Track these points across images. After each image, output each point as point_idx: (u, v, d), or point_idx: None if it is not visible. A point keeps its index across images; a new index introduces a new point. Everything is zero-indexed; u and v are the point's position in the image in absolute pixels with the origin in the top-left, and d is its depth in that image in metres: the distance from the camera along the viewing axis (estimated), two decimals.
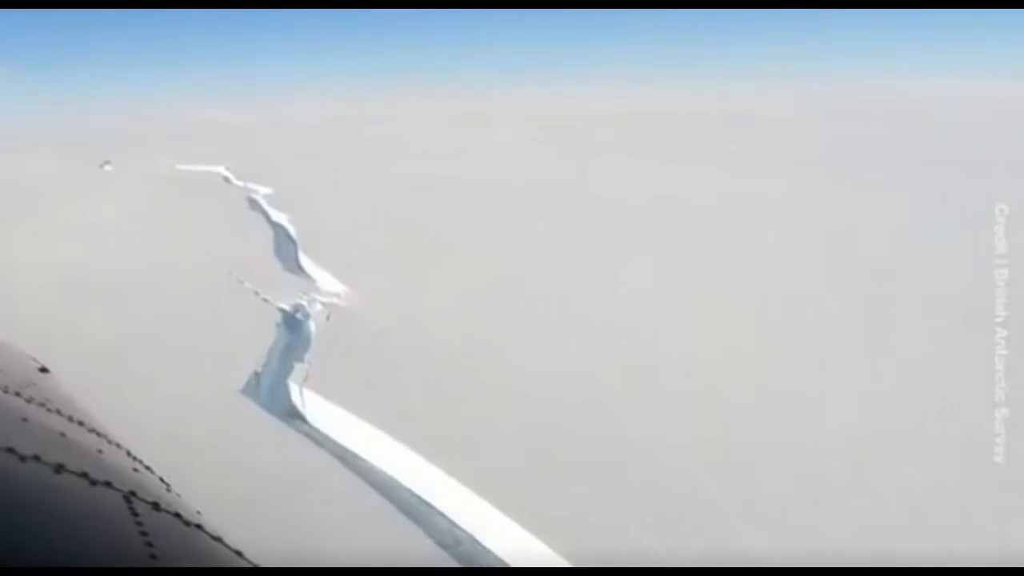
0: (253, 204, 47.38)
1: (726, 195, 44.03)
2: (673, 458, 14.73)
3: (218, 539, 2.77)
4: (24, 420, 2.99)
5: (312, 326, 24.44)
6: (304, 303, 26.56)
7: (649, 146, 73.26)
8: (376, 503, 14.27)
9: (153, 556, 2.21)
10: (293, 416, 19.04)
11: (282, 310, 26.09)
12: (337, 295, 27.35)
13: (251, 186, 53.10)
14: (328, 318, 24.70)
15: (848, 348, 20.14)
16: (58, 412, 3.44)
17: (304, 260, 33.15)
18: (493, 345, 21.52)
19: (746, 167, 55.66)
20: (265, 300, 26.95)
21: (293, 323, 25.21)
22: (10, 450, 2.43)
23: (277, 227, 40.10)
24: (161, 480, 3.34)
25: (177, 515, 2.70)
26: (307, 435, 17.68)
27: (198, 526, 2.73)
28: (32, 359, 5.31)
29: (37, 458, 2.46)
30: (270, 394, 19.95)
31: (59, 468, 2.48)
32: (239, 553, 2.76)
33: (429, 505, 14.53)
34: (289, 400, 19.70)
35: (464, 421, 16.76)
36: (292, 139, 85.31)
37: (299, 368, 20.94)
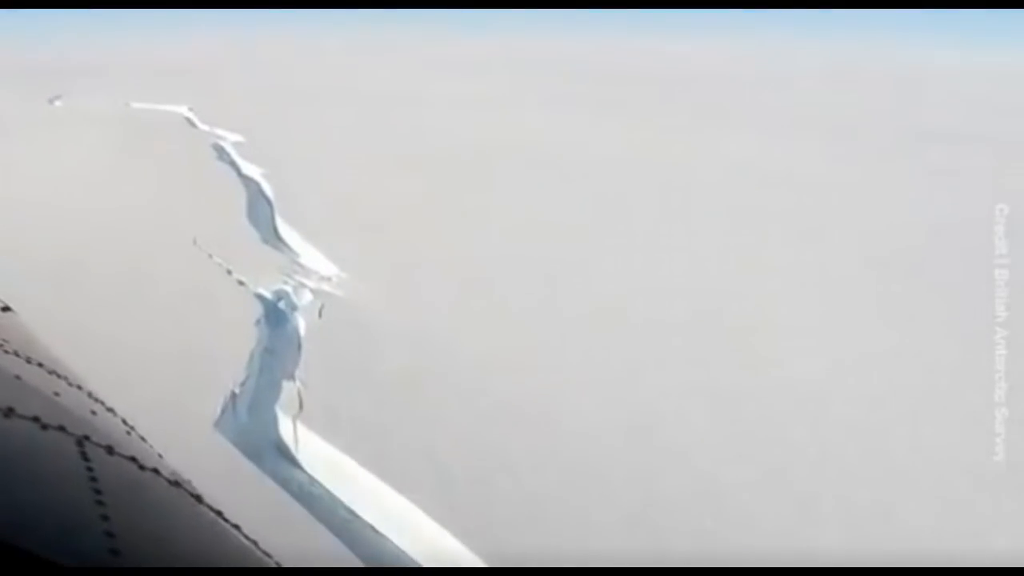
0: (220, 153, 41.44)
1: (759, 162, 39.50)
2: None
3: (176, 483, 2.58)
4: None
5: (301, 324, 19.54)
6: (288, 289, 21.55)
7: (673, 106, 68.08)
8: None
9: (100, 503, 2.01)
10: (283, 461, 14.39)
11: (262, 298, 21.08)
12: (328, 278, 22.38)
13: (218, 131, 46.84)
14: (320, 313, 19.80)
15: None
16: (15, 353, 3.26)
17: (283, 227, 27.96)
18: (554, 366, 16.98)
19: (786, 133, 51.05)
20: (240, 283, 21.89)
21: (276, 317, 20.26)
22: None
23: (249, 182, 34.55)
24: (124, 422, 3.14)
25: (132, 459, 2.50)
26: (304, 500, 13.01)
27: (155, 470, 2.54)
28: None
29: None
30: (251, 430, 15.18)
31: (8, 412, 2.34)
32: (198, 498, 2.58)
33: None
34: (278, 437, 14.99)
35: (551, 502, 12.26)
36: (266, 80, 78.18)
37: (288, 389, 16.18)
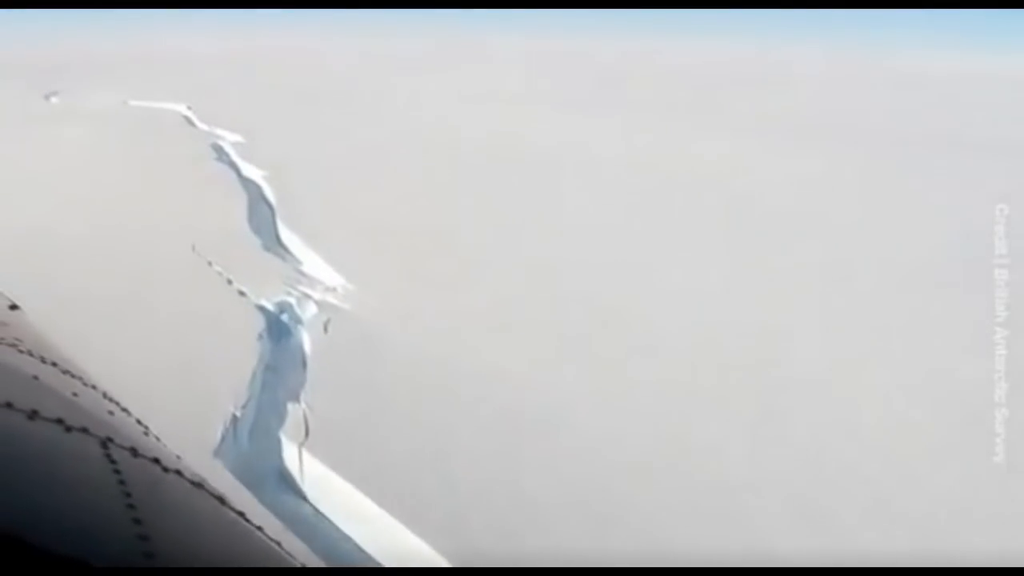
0: (219, 153, 40.39)
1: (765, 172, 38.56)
2: None
3: (199, 484, 2.57)
4: None
5: (305, 339, 18.50)
6: (292, 301, 20.53)
7: (674, 106, 67.09)
8: None
9: (131, 507, 2.02)
10: (288, 493, 13.39)
11: (264, 310, 20.05)
12: (333, 289, 21.35)
13: (217, 131, 45.78)
14: (326, 328, 18.77)
15: None
16: (30, 353, 3.23)
17: (285, 233, 26.93)
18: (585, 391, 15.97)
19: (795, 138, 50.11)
20: (241, 294, 20.85)
21: (279, 331, 19.23)
22: None
23: (249, 185, 33.51)
24: (138, 422, 3.09)
25: (156, 460, 2.51)
26: (309, 538, 11.99)
27: (178, 472, 2.54)
28: (0, 294, 4.83)
29: (10, 405, 2.31)
30: (253, 458, 14.16)
31: (33, 414, 2.33)
32: (221, 499, 2.57)
33: None
34: (282, 466, 13.98)
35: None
36: (266, 79, 77.07)
37: (293, 411, 15.17)
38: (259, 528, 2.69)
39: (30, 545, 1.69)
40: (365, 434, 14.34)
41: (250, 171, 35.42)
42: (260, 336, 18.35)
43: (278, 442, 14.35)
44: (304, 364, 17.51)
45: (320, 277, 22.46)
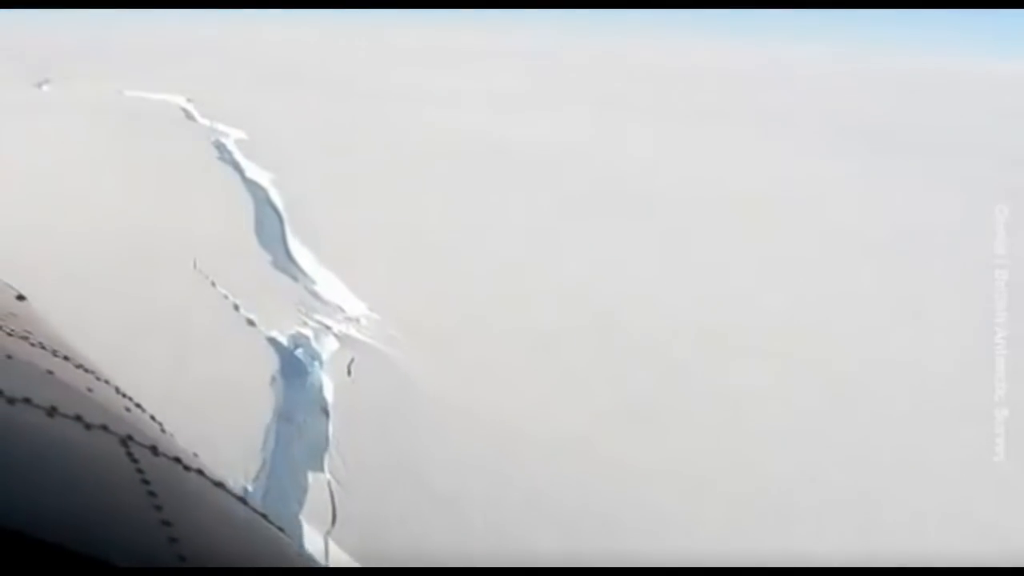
0: (222, 151, 37.64)
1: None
2: None
3: (220, 484, 2.51)
4: (9, 357, 2.69)
5: (326, 384, 15.89)
6: (308, 333, 17.90)
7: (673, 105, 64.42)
8: None
9: (158, 508, 1.98)
10: None
11: (276, 343, 17.44)
12: (355, 319, 18.73)
13: (218, 126, 42.98)
14: (350, 370, 16.16)
15: None
16: (41, 346, 3.11)
17: (296, 247, 24.29)
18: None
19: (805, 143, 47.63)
20: (250, 323, 18.22)
21: (295, 371, 16.61)
22: None
23: (255, 189, 30.83)
24: (152, 418, 2.97)
25: (177, 459, 2.42)
26: None
27: (199, 471, 2.46)
28: (7, 285, 4.58)
29: (28, 400, 2.21)
30: None
31: (52, 411, 2.23)
32: (243, 500, 2.51)
33: None
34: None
35: None
36: (269, 70, 74.07)
37: (316, 485, 12.59)
38: (281, 529, 2.58)
39: (58, 548, 1.63)
40: (400, 516, 11.81)
41: (255, 172, 32.70)
42: (273, 379, 15.72)
43: (299, 527, 11.77)
44: (327, 414, 14.92)
45: (338, 302, 19.84)
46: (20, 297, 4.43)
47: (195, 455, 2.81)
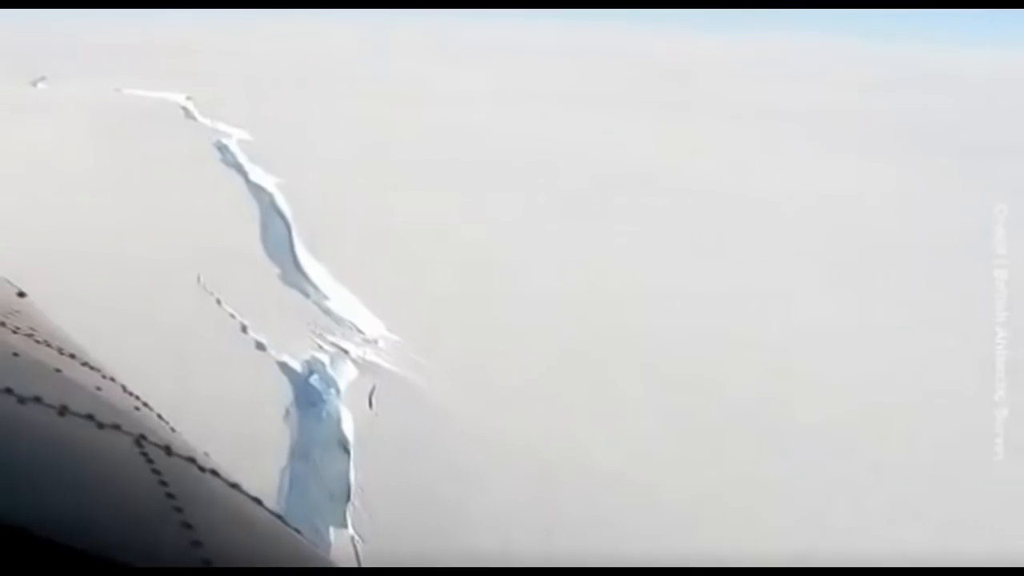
0: (224, 153, 36.14)
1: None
2: None
3: (236, 486, 2.46)
4: (15, 355, 2.68)
5: (346, 416, 14.46)
6: (323, 358, 16.47)
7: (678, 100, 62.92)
8: None
9: (178, 509, 1.92)
10: None
11: (287, 368, 16.02)
12: (373, 341, 17.31)
13: (220, 126, 41.45)
14: (371, 401, 14.73)
15: None
16: (47, 344, 3.08)
17: (305, 258, 22.84)
18: None
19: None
20: (259, 347, 16.80)
21: (310, 400, 15.19)
22: (8, 391, 2.15)
23: (260, 194, 29.36)
24: (159, 417, 2.95)
25: (191, 459, 2.40)
26: None
27: (214, 472, 2.42)
28: (7, 281, 4.55)
29: (38, 399, 2.18)
30: None
31: (63, 410, 2.20)
32: (258, 501, 2.45)
33: None
34: None
35: None
36: (273, 67, 72.41)
37: (339, 539, 11.21)
38: (297, 531, 2.52)
39: (79, 553, 1.57)
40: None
41: (260, 176, 31.22)
42: (287, 412, 14.31)
43: None
44: (347, 450, 13.51)
45: (353, 320, 18.42)
46: (21, 294, 4.35)
47: (207, 455, 2.71)
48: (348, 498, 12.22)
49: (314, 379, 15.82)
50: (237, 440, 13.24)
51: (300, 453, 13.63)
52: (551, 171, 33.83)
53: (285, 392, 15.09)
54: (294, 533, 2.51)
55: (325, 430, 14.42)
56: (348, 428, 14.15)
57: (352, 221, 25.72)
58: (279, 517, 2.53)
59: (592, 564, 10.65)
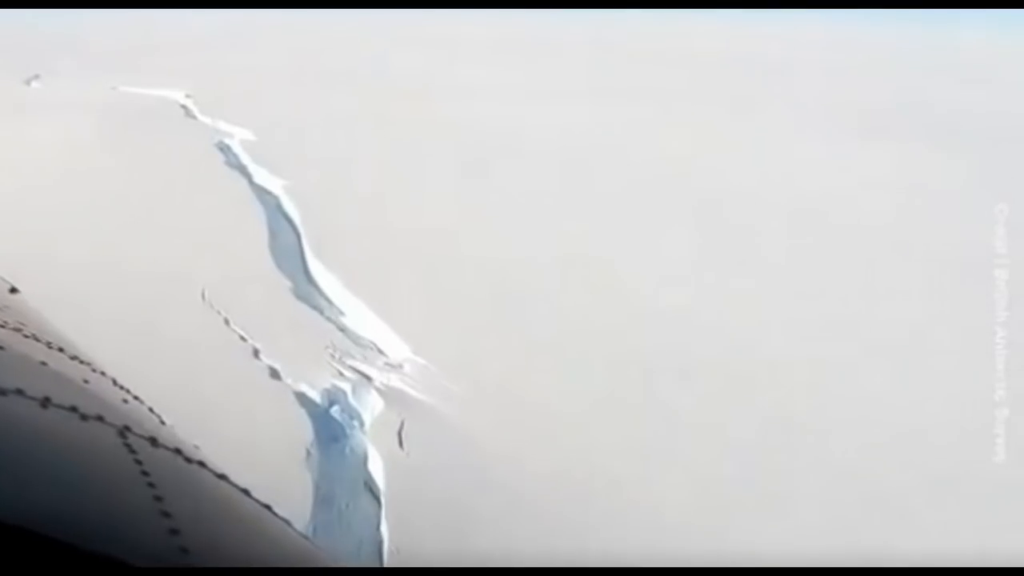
0: (227, 154, 34.53)
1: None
2: None
3: (223, 476, 2.47)
4: (1, 348, 2.68)
5: (374, 457, 12.96)
6: (345, 387, 14.96)
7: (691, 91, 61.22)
8: None
9: (158, 498, 1.92)
10: None
11: (305, 399, 14.54)
12: (399, 365, 15.80)
13: (222, 125, 39.83)
14: (401, 439, 13.25)
15: None
16: (35, 338, 3.10)
17: (317, 269, 21.32)
18: None
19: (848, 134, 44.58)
20: (273, 374, 15.31)
21: (332, 435, 13.70)
22: None
23: (266, 197, 27.79)
24: (151, 411, 3.00)
25: (177, 451, 2.39)
26: None
27: (200, 463, 2.43)
28: (0, 278, 4.30)
29: (20, 391, 2.19)
30: None
31: (45, 402, 2.21)
32: (246, 492, 2.45)
33: None
34: None
35: None
36: (274, 62, 70.71)
37: None
38: (287, 521, 2.49)
39: (53, 541, 1.56)
40: None
41: (266, 179, 29.65)
42: (308, 452, 12.83)
43: None
44: (378, 499, 12.04)
45: (374, 340, 16.90)
46: (13, 290, 4.48)
47: (196, 447, 2.70)
48: (380, 555, 10.75)
49: (335, 410, 14.31)
50: (255, 487, 11.82)
51: (322, 498, 12.18)
52: (583, 170, 32.28)
53: (304, 428, 13.62)
54: (284, 524, 2.46)
55: (350, 470, 12.94)
56: (376, 469, 12.67)
57: (364, 226, 24.19)
58: (267, 507, 2.48)
59: None
